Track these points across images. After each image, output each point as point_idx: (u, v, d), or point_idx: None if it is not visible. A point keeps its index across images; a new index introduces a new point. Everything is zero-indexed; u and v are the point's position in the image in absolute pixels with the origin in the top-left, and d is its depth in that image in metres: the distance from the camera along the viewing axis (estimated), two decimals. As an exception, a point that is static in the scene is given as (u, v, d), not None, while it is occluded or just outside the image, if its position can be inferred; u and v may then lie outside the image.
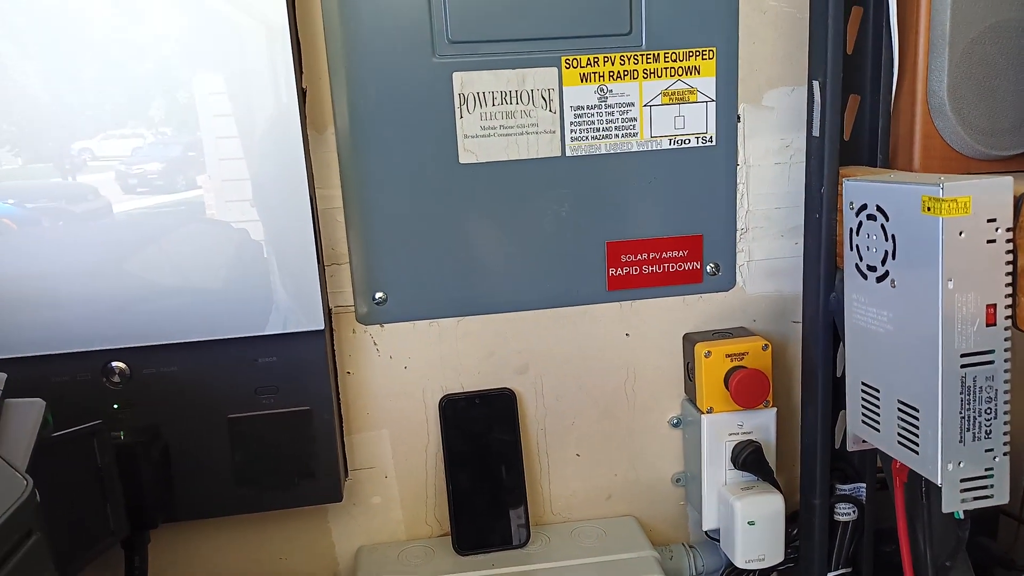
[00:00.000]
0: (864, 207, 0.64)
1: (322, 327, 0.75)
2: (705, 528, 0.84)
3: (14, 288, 0.71)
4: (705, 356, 0.81)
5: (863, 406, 0.66)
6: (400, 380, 0.83)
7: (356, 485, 0.85)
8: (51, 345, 0.72)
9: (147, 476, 0.72)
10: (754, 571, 0.85)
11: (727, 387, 0.81)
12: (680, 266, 0.85)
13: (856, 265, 0.66)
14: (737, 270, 0.86)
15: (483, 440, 0.84)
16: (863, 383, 0.66)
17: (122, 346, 0.73)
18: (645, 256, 0.84)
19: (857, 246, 0.65)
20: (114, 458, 0.66)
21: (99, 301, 0.72)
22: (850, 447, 0.71)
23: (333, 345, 0.81)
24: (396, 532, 0.86)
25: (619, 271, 0.84)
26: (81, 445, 0.64)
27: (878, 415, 0.64)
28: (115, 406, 0.74)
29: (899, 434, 0.62)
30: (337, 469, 0.78)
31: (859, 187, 0.65)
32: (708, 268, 0.85)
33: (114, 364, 0.74)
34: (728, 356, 0.81)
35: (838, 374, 0.79)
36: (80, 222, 0.71)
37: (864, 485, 0.81)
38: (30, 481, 0.50)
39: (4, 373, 0.60)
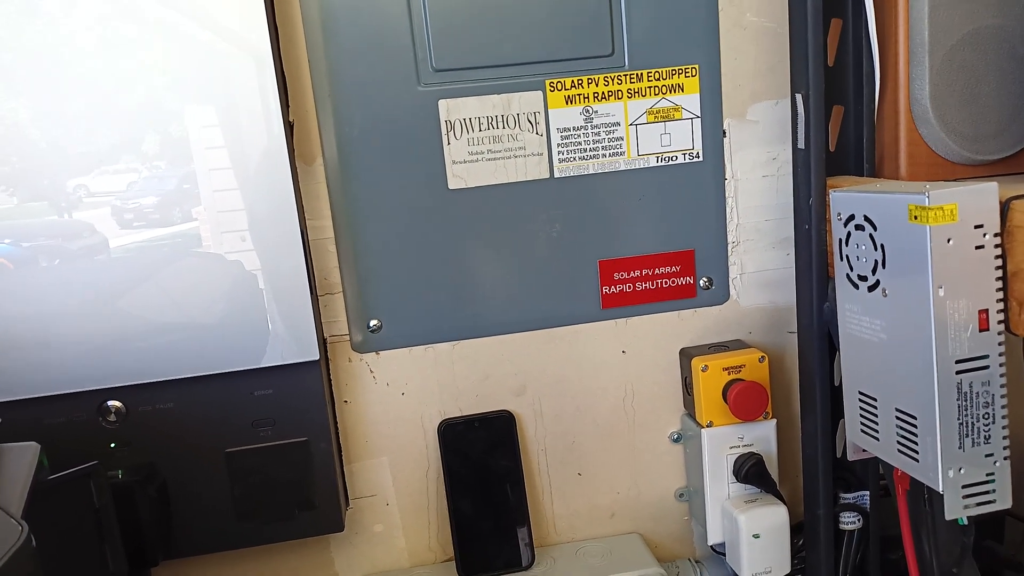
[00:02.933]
0: (852, 218, 0.64)
1: (317, 357, 0.75)
2: (710, 543, 0.84)
3: (7, 330, 0.71)
4: (702, 370, 0.81)
5: (861, 415, 0.66)
6: (398, 407, 0.83)
7: (357, 514, 0.84)
8: (45, 387, 0.72)
9: (146, 514, 0.72)
10: (762, 585, 0.84)
11: (726, 400, 0.80)
12: (673, 281, 0.85)
13: (847, 275, 0.66)
14: (730, 283, 0.86)
15: (484, 463, 0.84)
16: (860, 392, 0.66)
17: (117, 385, 0.73)
18: (638, 273, 0.84)
19: (847, 256, 0.65)
20: (111, 498, 0.66)
21: (94, 340, 0.71)
22: (850, 456, 0.71)
23: (329, 375, 0.81)
24: (399, 560, 0.86)
25: (612, 289, 0.84)
26: (77, 487, 0.64)
27: (877, 424, 0.64)
28: (112, 445, 0.74)
29: (898, 442, 0.62)
30: (337, 499, 0.78)
31: (846, 198, 0.65)
32: (701, 282, 0.85)
33: (110, 403, 0.73)
34: (725, 369, 0.81)
35: (836, 383, 0.79)
36: (75, 260, 0.70)
37: (868, 493, 0.81)
38: (25, 527, 0.50)
39: (-2, 418, 0.60)
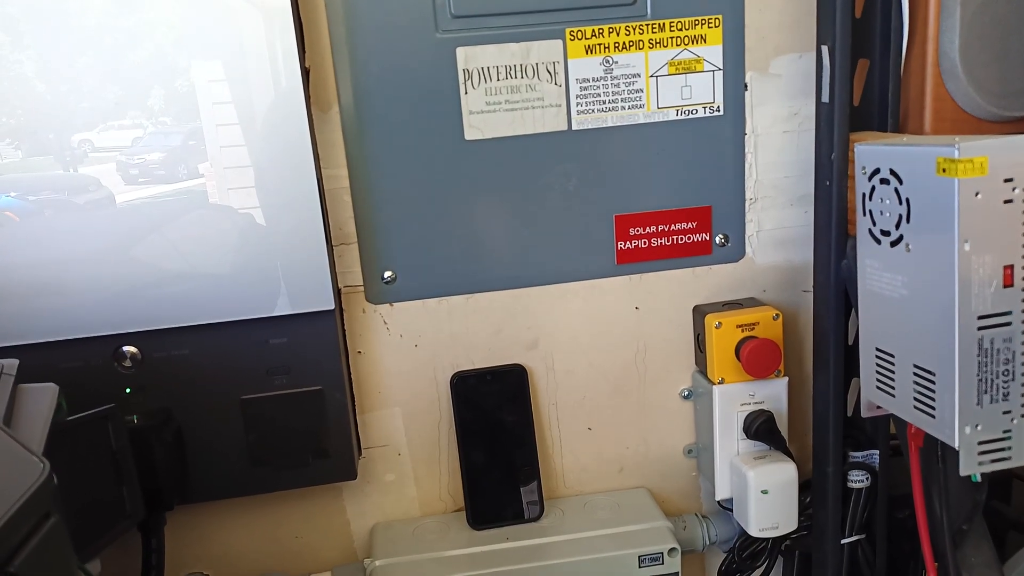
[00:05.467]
0: (877, 171, 0.63)
1: (332, 307, 0.75)
2: (718, 498, 0.84)
3: (22, 275, 0.70)
4: (716, 327, 0.81)
5: (877, 372, 0.66)
6: (411, 358, 0.83)
7: (370, 463, 0.85)
8: (62, 331, 0.72)
9: (161, 459, 0.72)
10: (768, 539, 0.85)
11: (738, 358, 0.80)
12: (689, 238, 0.84)
13: (869, 230, 0.65)
14: (746, 240, 0.85)
15: (495, 416, 0.84)
16: (877, 349, 0.66)
17: (133, 330, 0.73)
18: (654, 229, 0.84)
19: (870, 211, 0.65)
20: (128, 441, 0.66)
21: (108, 287, 0.71)
22: (864, 413, 0.71)
23: (343, 325, 0.81)
24: (410, 509, 0.86)
25: (628, 244, 0.84)
26: (95, 429, 0.64)
27: (893, 380, 0.64)
28: (127, 390, 0.74)
29: (915, 399, 0.62)
30: (351, 448, 0.79)
31: (872, 151, 0.64)
32: (717, 239, 0.85)
33: (125, 349, 0.74)
34: (739, 327, 0.81)
35: (849, 342, 0.79)
36: (85, 211, 0.70)
37: (877, 452, 0.81)
38: (47, 464, 0.50)
39: (16, 359, 0.60)
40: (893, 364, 0.64)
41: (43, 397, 0.59)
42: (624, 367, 0.87)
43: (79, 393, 0.63)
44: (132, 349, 0.74)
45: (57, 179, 0.70)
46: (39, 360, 0.71)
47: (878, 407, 0.67)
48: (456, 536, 0.83)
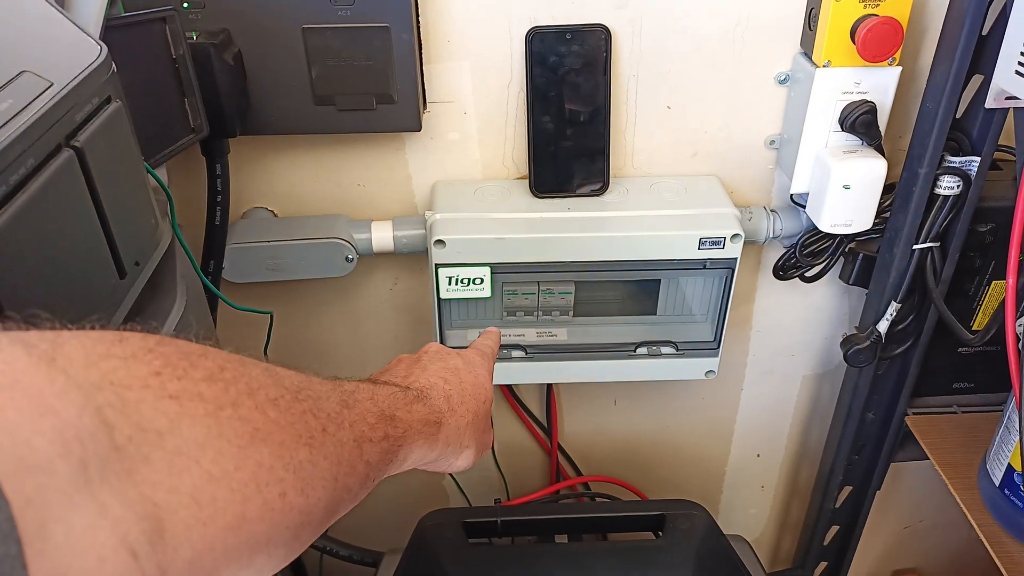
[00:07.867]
0: None
1: (400, -74, 0.66)
2: (793, 191, 0.80)
3: None
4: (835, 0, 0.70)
5: (1022, 53, 0.58)
6: (484, 6, 0.75)
7: (434, 119, 0.81)
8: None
9: (223, 81, 0.69)
10: (835, 237, 0.83)
11: (853, 39, 0.71)
12: None
13: None
14: (891, -101, 0.71)
15: (570, 81, 0.78)
16: (1032, 25, 0.57)
17: (185, -65, 0.66)
18: None
19: None
20: (189, 50, 0.63)
21: None
22: (990, 104, 0.63)
23: (412, -44, 0.72)
24: (473, 171, 0.84)
25: None
26: (153, 32, 0.61)
27: (1040, 64, 0.56)
28: (185, 4, 0.69)
29: (1062, 84, 0.54)
30: (415, 97, 0.75)
31: None
32: None
33: (179, -42, 0.67)
34: (862, 1, 0.70)
35: (984, 32, 0.69)
36: None
37: (978, 159, 0.75)
38: (104, 47, 0.47)
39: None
40: (1046, 43, 0.55)
41: (94, -15, 0.54)
42: (720, 40, 0.78)
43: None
44: (187, -42, 0.67)
45: None
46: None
47: (1008, 98, 0.60)
48: (517, 200, 0.81)
